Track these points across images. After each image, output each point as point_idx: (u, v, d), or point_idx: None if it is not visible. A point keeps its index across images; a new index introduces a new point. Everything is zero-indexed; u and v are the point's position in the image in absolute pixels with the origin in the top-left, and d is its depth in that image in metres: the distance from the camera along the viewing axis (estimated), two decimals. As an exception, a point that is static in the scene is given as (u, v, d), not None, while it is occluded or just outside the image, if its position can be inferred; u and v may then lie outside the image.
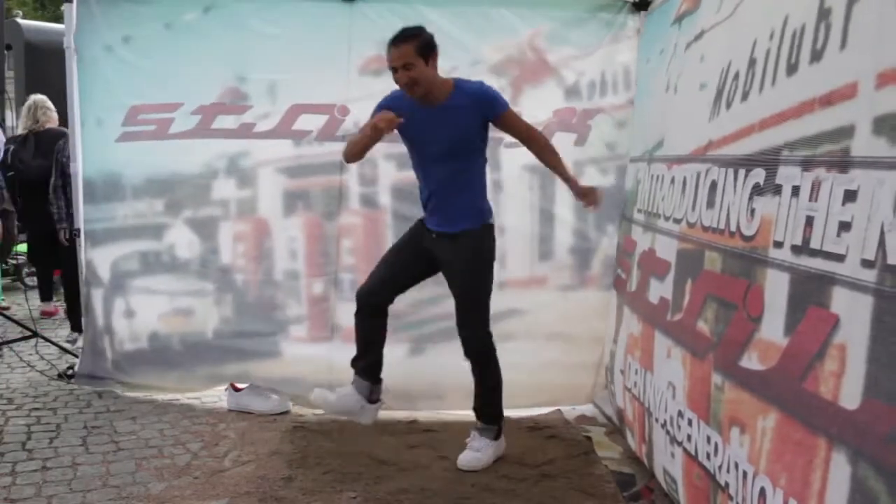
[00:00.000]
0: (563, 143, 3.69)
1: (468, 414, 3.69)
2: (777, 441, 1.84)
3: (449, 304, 3.73)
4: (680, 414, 2.49)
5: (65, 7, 3.80)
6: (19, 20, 8.33)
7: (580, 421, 3.70)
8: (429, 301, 3.63)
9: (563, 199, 3.76)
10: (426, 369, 3.70)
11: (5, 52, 7.09)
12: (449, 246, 3.01)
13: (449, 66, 3.60)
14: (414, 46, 2.76)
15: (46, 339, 4.39)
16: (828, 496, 1.61)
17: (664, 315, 2.72)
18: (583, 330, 3.80)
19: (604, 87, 3.71)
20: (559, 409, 3.80)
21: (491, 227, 3.08)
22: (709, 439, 2.25)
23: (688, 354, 2.47)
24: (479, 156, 3.04)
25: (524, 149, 3.68)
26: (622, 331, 3.28)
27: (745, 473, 1.99)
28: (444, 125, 2.89)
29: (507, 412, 3.69)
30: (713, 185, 2.36)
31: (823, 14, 1.80)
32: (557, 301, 3.79)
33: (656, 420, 2.75)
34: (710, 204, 2.37)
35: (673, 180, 2.78)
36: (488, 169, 3.45)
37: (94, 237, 3.89)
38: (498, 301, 3.76)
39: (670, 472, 2.62)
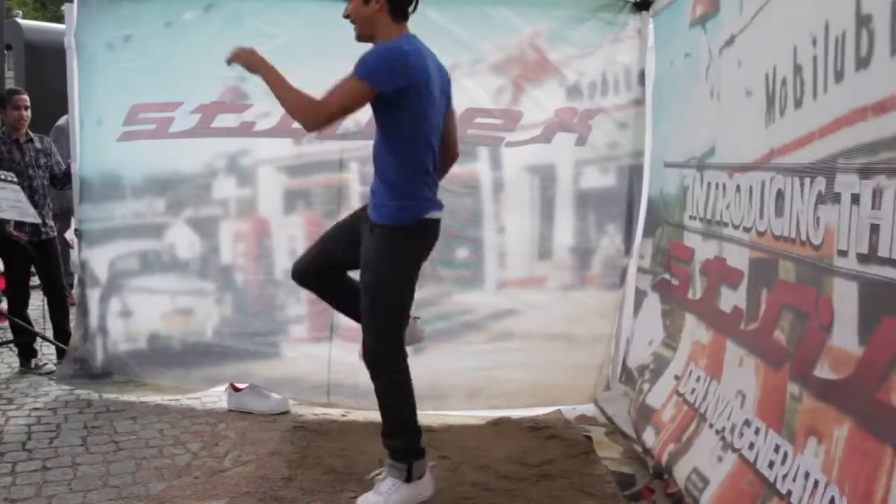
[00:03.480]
0: (563, 143, 3.71)
1: (469, 414, 3.70)
2: (847, 451, 1.83)
3: (449, 304, 3.75)
4: (746, 422, 2.45)
5: (65, 6, 3.81)
6: (19, 20, 8.33)
7: (580, 421, 3.69)
8: (429, 301, 3.62)
9: (564, 198, 3.77)
10: (426, 369, 3.68)
11: (5, 52, 7.10)
12: (367, 234, 2.66)
13: (450, 63, 3.60)
14: None
15: (46, 339, 4.39)
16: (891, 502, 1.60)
17: (737, 324, 2.68)
18: (583, 330, 3.80)
19: (605, 87, 3.71)
20: (559, 409, 3.79)
21: (399, 231, 2.57)
22: (777, 448, 2.21)
23: (762, 364, 2.44)
24: (386, 131, 2.56)
25: (524, 148, 3.71)
26: (684, 337, 3.23)
27: (815, 483, 1.95)
28: None
29: (507, 412, 3.71)
30: (779, 194, 2.34)
31: (863, 21, 1.79)
32: (557, 301, 3.78)
33: (710, 426, 2.71)
34: (779, 213, 2.34)
35: (738, 188, 2.75)
36: (488, 168, 3.44)
37: (91, 237, 3.89)
38: (497, 301, 3.78)
39: (703, 473, 2.60)
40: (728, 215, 2.85)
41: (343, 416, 3.66)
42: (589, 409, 3.81)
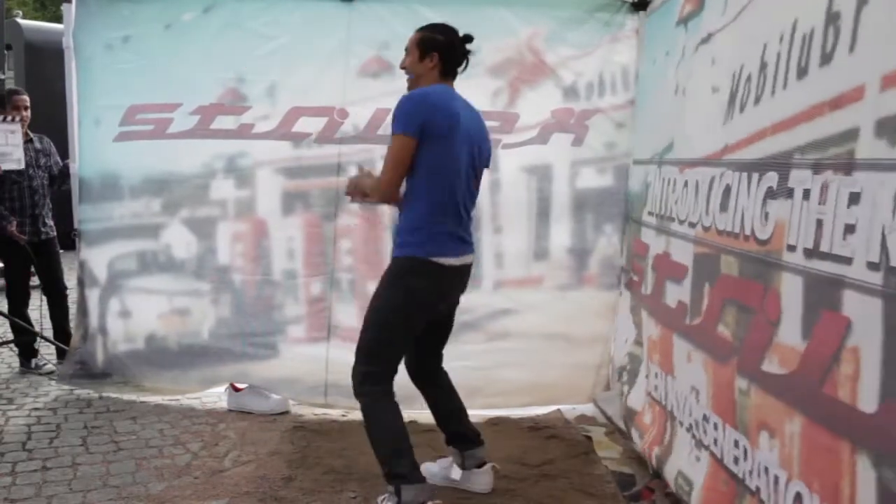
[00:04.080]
0: (560, 144, 3.72)
1: (468, 414, 3.70)
2: (805, 446, 1.85)
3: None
4: (705, 418, 2.47)
5: (64, 7, 3.81)
6: (19, 20, 8.34)
7: (580, 421, 3.70)
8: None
9: (561, 199, 3.77)
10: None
11: (5, 52, 7.10)
12: None
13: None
14: (417, 37, 2.76)
15: (46, 339, 4.39)
16: (859, 501, 1.61)
17: (682, 319, 2.70)
18: (582, 330, 3.81)
19: (602, 87, 3.71)
20: (559, 409, 3.80)
21: (401, 263, 2.62)
22: (736, 443, 2.23)
23: (709, 359, 2.46)
24: (411, 175, 2.61)
25: (521, 149, 3.71)
26: (643, 334, 3.27)
27: (776, 478, 1.97)
28: None
29: (507, 412, 3.72)
30: (727, 189, 2.35)
31: (832, 17, 1.81)
32: (555, 301, 3.79)
33: (680, 423, 2.74)
34: (724, 208, 2.36)
35: (686, 184, 2.77)
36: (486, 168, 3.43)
37: (90, 237, 3.89)
38: (494, 300, 3.78)
39: (687, 475, 2.61)
40: (676, 210, 2.87)
41: (343, 416, 3.67)
42: (588, 409, 3.82)
